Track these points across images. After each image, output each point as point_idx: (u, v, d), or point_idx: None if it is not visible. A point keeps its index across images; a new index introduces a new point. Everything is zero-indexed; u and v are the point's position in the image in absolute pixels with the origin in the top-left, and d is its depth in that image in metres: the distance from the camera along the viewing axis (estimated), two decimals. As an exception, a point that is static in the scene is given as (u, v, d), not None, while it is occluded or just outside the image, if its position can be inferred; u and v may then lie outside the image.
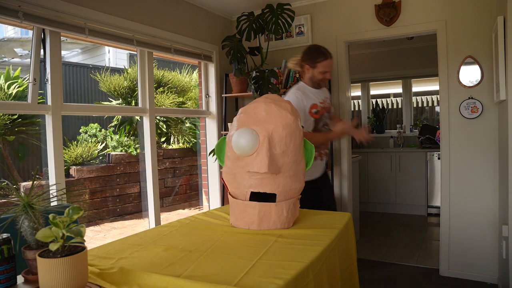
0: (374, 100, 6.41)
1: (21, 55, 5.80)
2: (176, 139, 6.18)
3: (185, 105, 6.13)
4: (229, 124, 3.53)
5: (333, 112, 2.71)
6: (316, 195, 2.52)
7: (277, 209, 1.59)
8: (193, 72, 6.65)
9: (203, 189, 3.90)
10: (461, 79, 2.96)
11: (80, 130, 5.52)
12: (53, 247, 0.93)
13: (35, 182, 1.14)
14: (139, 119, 5.61)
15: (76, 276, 0.94)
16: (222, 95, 3.72)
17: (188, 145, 6.13)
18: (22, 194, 1.07)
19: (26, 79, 4.55)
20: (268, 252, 1.31)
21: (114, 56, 7.88)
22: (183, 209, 5.83)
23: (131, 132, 5.73)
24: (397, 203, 5.27)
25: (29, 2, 2.13)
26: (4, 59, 5.79)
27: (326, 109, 2.57)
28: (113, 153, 5.29)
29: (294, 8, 3.48)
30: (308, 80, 2.53)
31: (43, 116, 2.39)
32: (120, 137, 5.59)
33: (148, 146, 3.04)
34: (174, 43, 3.21)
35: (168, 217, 5.20)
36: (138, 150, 5.40)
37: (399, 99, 6.42)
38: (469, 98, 2.94)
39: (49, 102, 2.33)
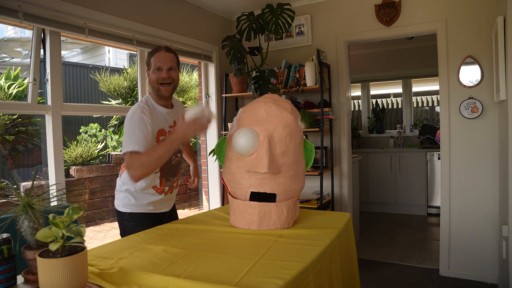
0: (374, 100, 6.41)
1: (22, 55, 5.80)
2: (176, 139, 6.16)
3: (185, 105, 6.13)
4: (229, 124, 3.53)
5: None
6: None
7: (277, 209, 1.59)
8: (193, 72, 6.65)
9: (203, 189, 3.90)
10: (461, 79, 2.96)
11: (80, 130, 5.52)
12: (53, 247, 0.93)
13: (35, 182, 1.14)
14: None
15: (76, 276, 0.94)
16: (222, 95, 3.72)
17: (188, 145, 6.12)
18: (22, 194, 1.07)
19: (26, 79, 4.55)
20: (268, 252, 1.31)
21: (114, 56, 7.89)
22: (183, 209, 5.83)
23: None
24: (397, 203, 5.27)
25: (29, 2, 2.13)
26: (4, 59, 5.79)
27: None
28: (113, 153, 5.29)
29: (294, 8, 3.48)
30: (152, 91, 1.85)
31: (43, 116, 2.39)
32: (120, 137, 5.58)
33: (148, 146, 3.03)
34: (174, 43, 3.21)
35: (168, 217, 5.19)
36: (138, 150, 5.39)
37: (399, 99, 6.42)
38: (469, 98, 2.94)
39: (49, 102, 2.33)
